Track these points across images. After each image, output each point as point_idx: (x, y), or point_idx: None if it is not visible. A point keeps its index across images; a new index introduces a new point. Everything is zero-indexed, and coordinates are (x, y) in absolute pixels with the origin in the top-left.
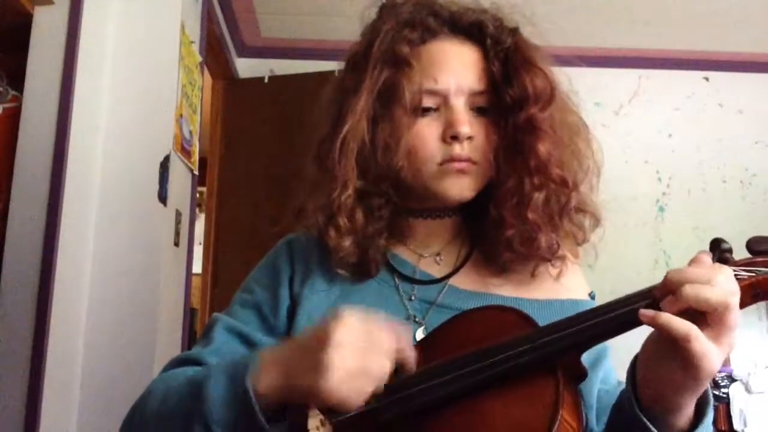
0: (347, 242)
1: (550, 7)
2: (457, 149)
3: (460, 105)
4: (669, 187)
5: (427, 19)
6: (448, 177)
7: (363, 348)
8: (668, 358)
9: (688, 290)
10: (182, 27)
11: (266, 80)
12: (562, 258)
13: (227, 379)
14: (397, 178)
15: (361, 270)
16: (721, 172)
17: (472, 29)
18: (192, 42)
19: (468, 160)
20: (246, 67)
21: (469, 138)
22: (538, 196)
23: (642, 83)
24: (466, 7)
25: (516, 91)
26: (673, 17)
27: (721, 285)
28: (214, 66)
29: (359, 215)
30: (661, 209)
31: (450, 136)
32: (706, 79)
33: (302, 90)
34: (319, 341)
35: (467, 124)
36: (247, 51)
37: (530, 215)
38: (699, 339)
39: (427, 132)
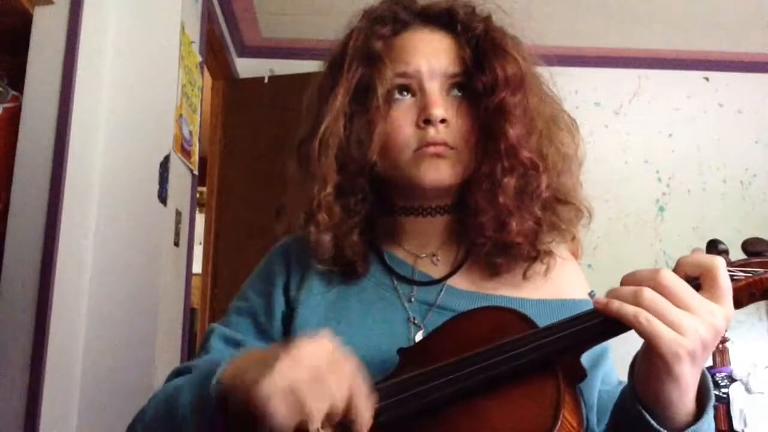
0: (327, 237)
1: (551, 8)
2: (432, 133)
3: (433, 88)
4: (669, 187)
5: (398, 11)
6: (424, 162)
7: (320, 369)
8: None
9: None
10: (182, 27)
11: (266, 80)
12: (549, 253)
13: (196, 384)
14: (374, 173)
15: (348, 269)
16: (721, 172)
17: (442, 17)
18: (192, 42)
19: (444, 143)
20: (246, 67)
21: (444, 121)
22: (509, 180)
23: (642, 83)
24: None
25: (487, 77)
26: (673, 17)
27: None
28: (214, 66)
29: (336, 210)
30: (661, 209)
31: (423, 120)
32: (706, 79)
33: (302, 90)
34: (284, 350)
35: (440, 107)
36: (247, 51)
37: (501, 199)
38: (649, 320)
39: (401, 119)
